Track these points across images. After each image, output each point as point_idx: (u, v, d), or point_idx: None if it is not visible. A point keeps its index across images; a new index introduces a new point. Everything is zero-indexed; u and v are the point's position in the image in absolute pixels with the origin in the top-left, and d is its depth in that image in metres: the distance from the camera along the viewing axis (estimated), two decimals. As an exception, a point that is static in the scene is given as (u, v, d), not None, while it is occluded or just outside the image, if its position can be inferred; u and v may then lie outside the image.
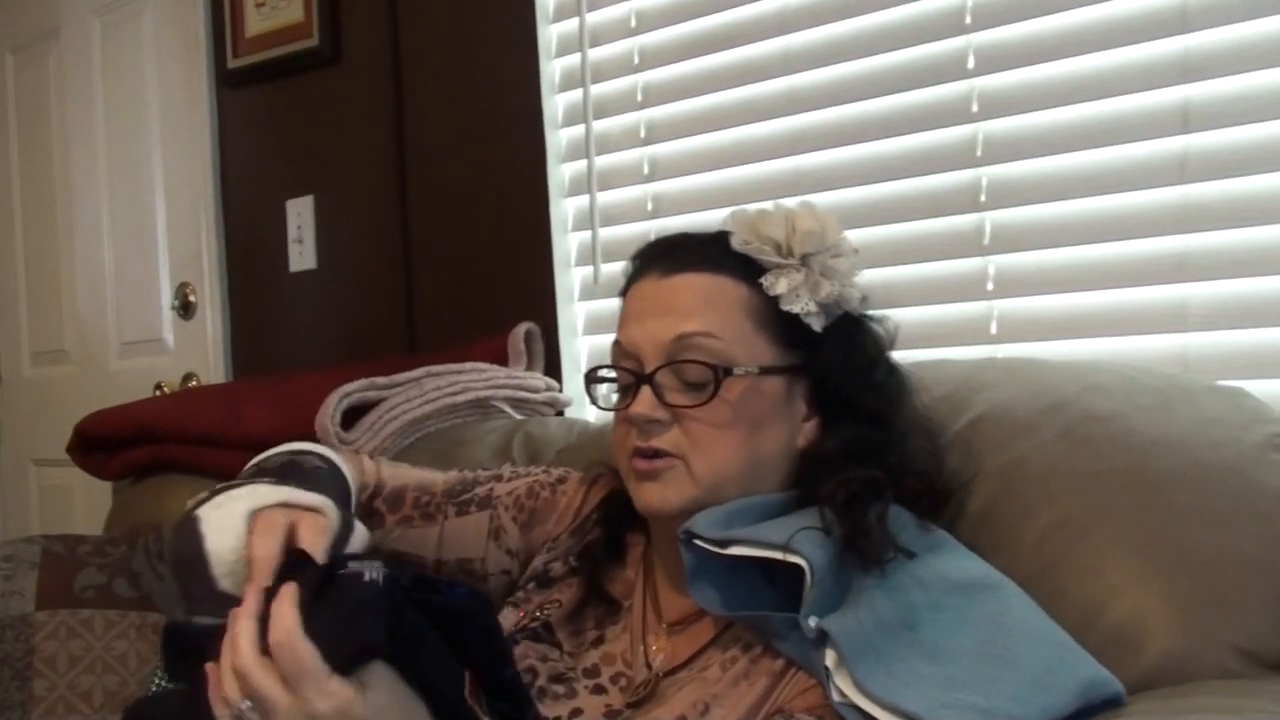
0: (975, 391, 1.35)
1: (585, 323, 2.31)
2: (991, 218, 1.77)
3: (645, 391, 1.14)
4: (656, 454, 1.14)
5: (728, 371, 1.12)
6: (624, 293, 1.25)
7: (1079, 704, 0.99)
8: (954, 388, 1.37)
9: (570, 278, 2.31)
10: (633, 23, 2.20)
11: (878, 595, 1.05)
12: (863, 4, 1.89)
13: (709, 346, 1.13)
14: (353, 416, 1.99)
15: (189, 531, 1.07)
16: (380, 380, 2.03)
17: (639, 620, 1.22)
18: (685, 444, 1.13)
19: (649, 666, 1.17)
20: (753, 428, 1.14)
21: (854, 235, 1.85)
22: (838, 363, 1.17)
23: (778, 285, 1.14)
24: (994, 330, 1.77)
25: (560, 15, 2.31)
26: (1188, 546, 1.13)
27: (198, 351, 3.05)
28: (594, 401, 1.26)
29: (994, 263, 1.77)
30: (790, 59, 1.99)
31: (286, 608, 0.90)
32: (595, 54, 2.25)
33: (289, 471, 1.21)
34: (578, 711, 1.15)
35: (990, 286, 1.77)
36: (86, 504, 3.29)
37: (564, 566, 1.29)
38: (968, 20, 1.78)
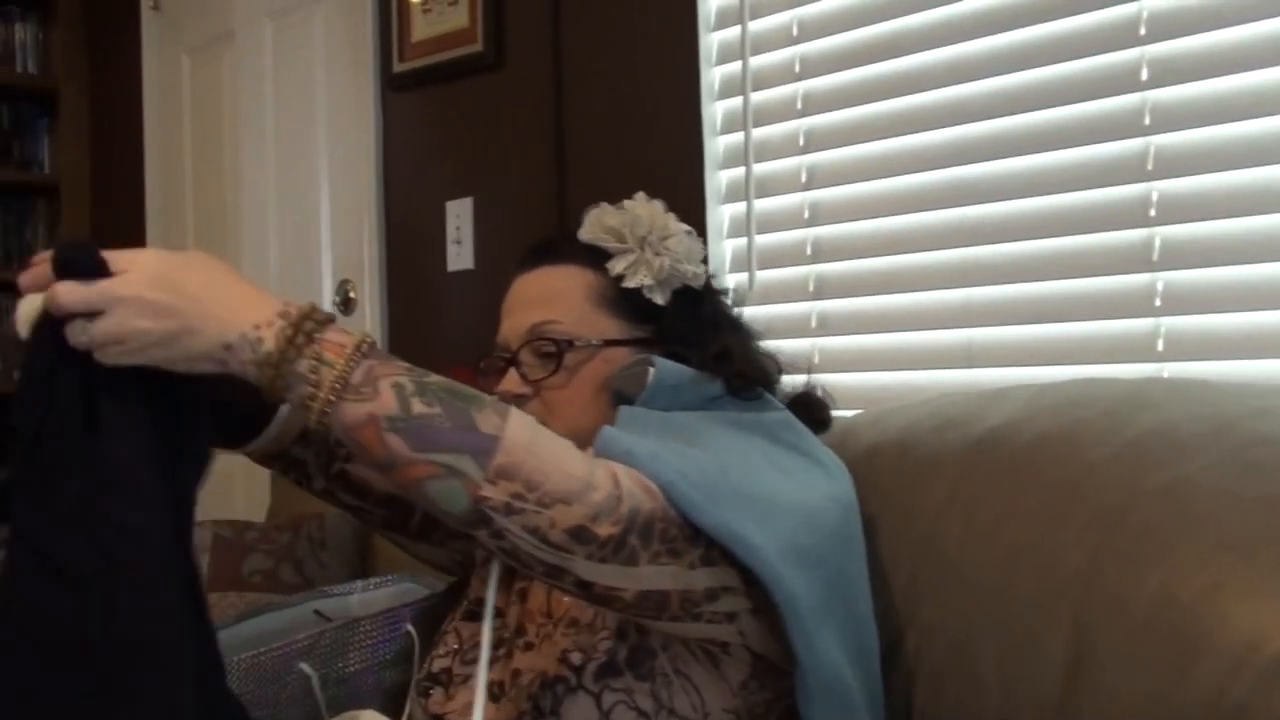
0: (1137, 410, 1.32)
1: (737, 329, 2.30)
2: (1161, 233, 1.73)
3: (511, 372, 1.32)
4: None
5: (569, 344, 1.30)
6: None
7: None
8: (1114, 404, 1.33)
9: (725, 284, 2.31)
10: (794, 31, 2.20)
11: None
12: (1033, 14, 1.86)
13: (552, 330, 1.31)
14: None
15: None
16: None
17: None
18: (544, 411, 1.28)
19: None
20: (598, 392, 1.29)
21: (1016, 249, 1.86)
22: (680, 329, 1.33)
23: (617, 266, 1.32)
24: (1160, 348, 1.73)
25: (722, 23, 2.32)
26: (1365, 577, 1.09)
27: (356, 347, 3.12)
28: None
29: (1163, 279, 1.73)
30: (955, 69, 1.97)
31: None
32: (756, 62, 2.26)
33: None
34: (518, 672, 1.21)
35: (1158, 303, 1.73)
36: (246, 491, 3.39)
37: None
38: (1142, 31, 1.74)
